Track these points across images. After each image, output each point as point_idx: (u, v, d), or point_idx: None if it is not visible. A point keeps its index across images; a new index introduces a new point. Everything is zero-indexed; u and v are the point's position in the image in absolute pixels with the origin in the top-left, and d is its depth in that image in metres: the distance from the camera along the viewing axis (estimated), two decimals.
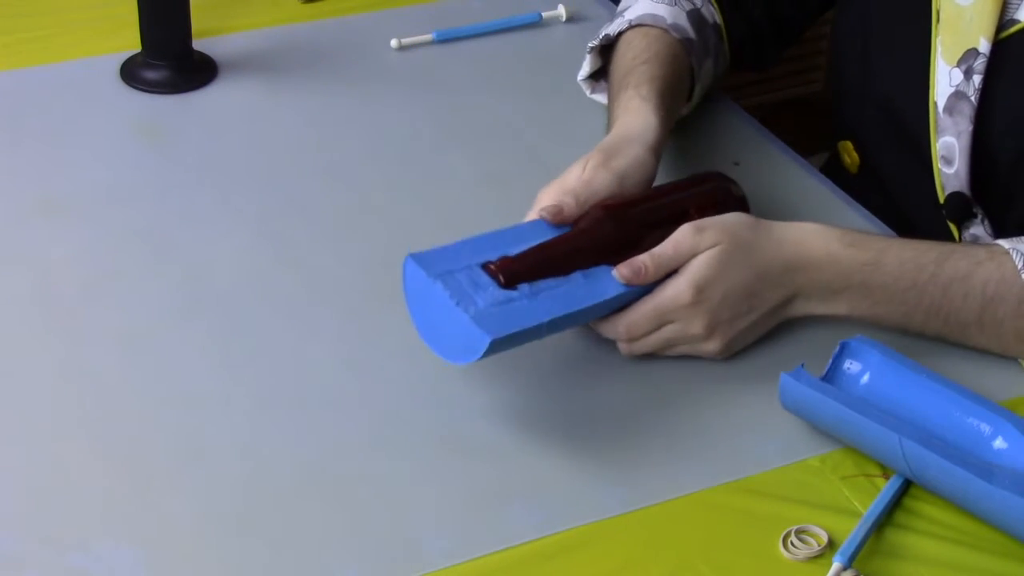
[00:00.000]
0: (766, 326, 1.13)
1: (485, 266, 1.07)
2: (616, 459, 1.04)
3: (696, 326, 1.09)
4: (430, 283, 1.05)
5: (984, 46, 1.20)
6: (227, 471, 1.02)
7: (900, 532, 1.00)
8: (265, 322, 1.15)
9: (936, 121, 1.24)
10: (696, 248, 1.09)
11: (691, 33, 1.34)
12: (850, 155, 1.40)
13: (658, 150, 1.21)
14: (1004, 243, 1.12)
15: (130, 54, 1.46)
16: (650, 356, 1.12)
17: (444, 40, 1.53)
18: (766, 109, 2.04)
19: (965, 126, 1.22)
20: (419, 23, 1.54)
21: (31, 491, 0.99)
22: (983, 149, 1.23)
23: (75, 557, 0.95)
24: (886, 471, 1.04)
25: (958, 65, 1.21)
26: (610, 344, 1.12)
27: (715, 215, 1.13)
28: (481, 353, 1.01)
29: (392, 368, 1.10)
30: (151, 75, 1.43)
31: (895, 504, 1.01)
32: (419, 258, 1.07)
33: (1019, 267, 1.10)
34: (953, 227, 1.28)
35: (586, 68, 1.40)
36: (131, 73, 1.44)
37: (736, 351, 1.13)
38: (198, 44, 1.46)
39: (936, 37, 1.23)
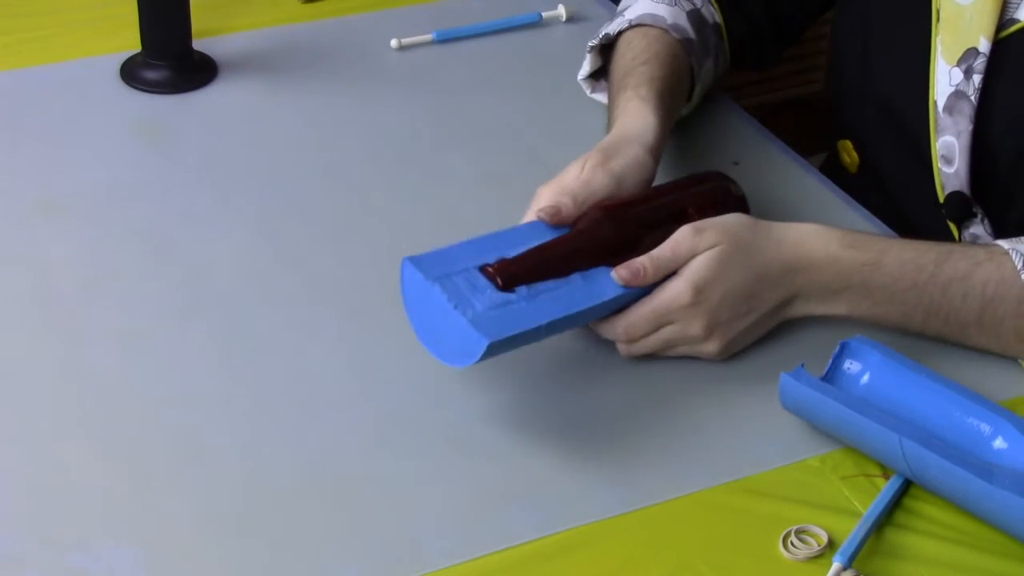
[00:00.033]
0: (765, 327, 1.13)
1: (483, 268, 1.07)
2: (616, 459, 1.04)
3: (695, 327, 1.09)
4: (428, 286, 1.05)
5: (984, 45, 1.20)
6: (227, 471, 1.02)
7: (900, 532, 1.00)
8: (265, 322, 1.15)
9: (936, 120, 1.24)
10: (695, 249, 1.09)
11: (691, 33, 1.34)
12: (849, 154, 1.40)
13: (657, 151, 1.21)
14: (1004, 243, 1.12)
15: (130, 54, 1.46)
16: (650, 357, 1.12)
17: (444, 40, 1.53)
18: (766, 109, 2.04)
19: (965, 125, 1.22)
20: (419, 23, 1.54)
21: (31, 491, 0.99)
22: (983, 148, 1.23)
23: (75, 557, 0.95)
24: (886, 471, 1.04)
25: (958, 64, 1.21)
26: (610, 345, 1.12)
27: (714, 215, 1.12)
28: (478, 356, 1.01)
29: (392, 368, 1.10)
30: (151, 75, 1.43)
31: (895, 504, 1.01)
32: (416, 261, 1.07)
33: (1019, 267, 1.10)
34: (953, 226, 1.28)
35: (586, 67, 1.40)
36: (131, 73, 1.44)
37: (735, 352, 1.13)
38: (198, 44, 1.46)
39: (936, 36, 1.23)
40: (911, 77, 1.26)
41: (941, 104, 1.23)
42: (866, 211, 1.31)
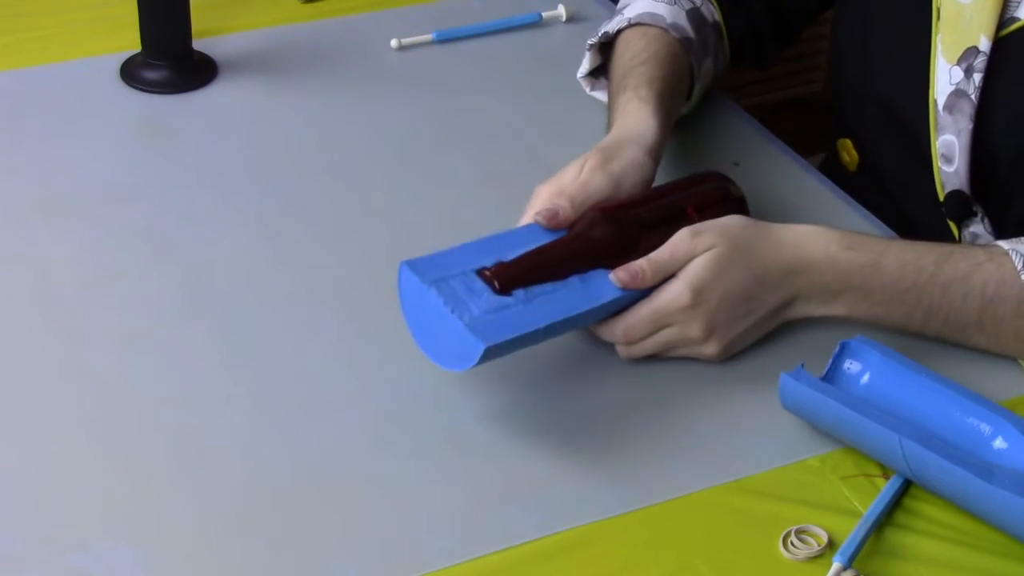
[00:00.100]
0: (765, 328, 1.13)
1: (480, 272, 1.07)
2: (616, 459, 1.04)
3: (694, 329, 1.09)
4: (424, 290, 1.05)
5: (984, 44, 1.20)
6: (227, 471, 1.02)
7: (900, 532, 1.00)
8: (265, 322, 1.15)
9: (936, 119, 1.24)
10: (693, 251, 1.09)
11: (690, 32, 1.34)
12: (849, 153, 1.40)
13: (656, 152, 1.21)
14: (1003, 244, 1.12)
15: (130, 54, 1.46)
16: (649, 357, 1.12)
17: (444, 40, 1.53)
18: (766, 109, 2.04)
19: (965, 124, 1.22)
20: (419, 23, 1.54)
21: (31, 491, 1.00)
22: (983, 147, 1.23)
23: (75, 557, 0.95)
24: (886, 471, 1.04)
25: (958, 63, 1.21)
26: (609, 345, 1.12)
27: (714, 216, 1.12)
28: (476, 360, 1.01)
29: (392, 368, 1.10)
30: (151, 75, 1.43)
31: (895, 504, 1.01)
32: (413, 264, 1.06)
33: (1018, 268, 1.10)
34: (953, 225, 1.28)
35: (585, 65, 1.40)
36: (131, 73, 1.44)
37: (734, 353, 1.12)
38: (198, 44, 1.46)
39: (936, 35, 1.23)
40: (911, 76, 1.26)
41: (941, 103, 1.23)
42: (866, 211, 1.31)
